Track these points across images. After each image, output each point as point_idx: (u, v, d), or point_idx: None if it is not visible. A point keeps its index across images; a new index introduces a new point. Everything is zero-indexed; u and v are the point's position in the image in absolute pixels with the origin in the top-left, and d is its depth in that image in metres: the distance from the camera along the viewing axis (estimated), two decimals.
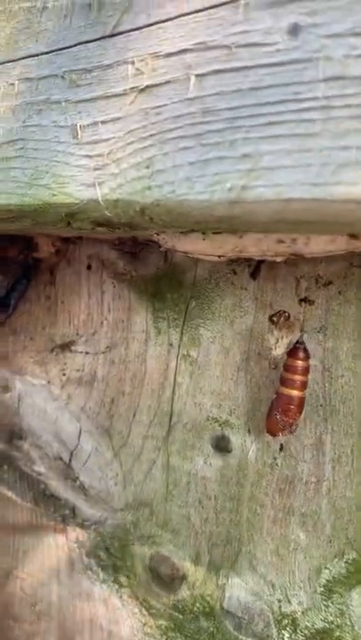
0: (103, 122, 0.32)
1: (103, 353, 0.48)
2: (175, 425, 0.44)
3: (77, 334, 0.49)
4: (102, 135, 0.33)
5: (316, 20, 0.26)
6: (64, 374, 0.50)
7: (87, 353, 0.48)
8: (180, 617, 0.43)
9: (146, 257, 0.45)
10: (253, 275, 0.39)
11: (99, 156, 0.33)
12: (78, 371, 0.49)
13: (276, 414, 0.36)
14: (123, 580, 0.46)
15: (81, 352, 0.49)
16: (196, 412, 0.43)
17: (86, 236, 0.45)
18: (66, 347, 0.50)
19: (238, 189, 0.28)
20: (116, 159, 0.32)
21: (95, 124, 0.33)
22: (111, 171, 0.32)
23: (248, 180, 0.28)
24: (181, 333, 0.44)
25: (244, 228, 0.32)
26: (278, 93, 0.27)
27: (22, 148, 0.36)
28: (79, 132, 0.33)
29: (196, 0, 0.29)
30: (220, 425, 0.42)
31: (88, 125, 0.33)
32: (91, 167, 0.33)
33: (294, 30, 0.27)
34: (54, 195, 0.34)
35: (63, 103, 0.34)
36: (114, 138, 0.32)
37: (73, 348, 0.49)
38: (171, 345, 0.44)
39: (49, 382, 0.51)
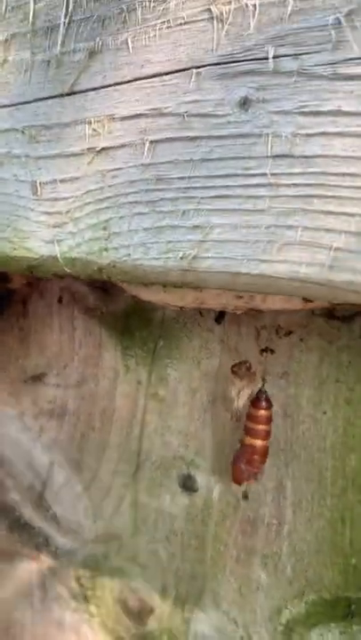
0: (62, 180, 0.33)
1: (74, 387, 0.48)
2: (144, 462, 0.45)
3: (49, 366, 0.50)
4: (61, 193, 0.33)
5: (266, 96, 0.26)
6: (36, 405, 0.50)
7: (58, 386, 0.49)
8: None
9: (115, 293, 0.45)
10: (217, 320, 0.39)
11: (58, 213, 0.33)
12: (50, 402, 0.50)
13: (241, 464, 0.37)
14: (93, 609, 0.47)
15: (53, 384, 0.49)
16: (164, 450, 0.44)
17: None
18: (37, 378, 0.50)
19: (190, 259, 0.28)
20: (74, 218, 0.32)
21: (54, 181, 0.33)
22: (69, 229, 0.32)
23: (199, 251, 0.28)
24: (150, 372, 0.44)
25: (200, 288, 0.32)
26: (228, 166, 0.27)
27: None
28: (39, 188, 0.34)
29: (150, 66, 0.29)
30: (186, 464, 0.43)
31: (47, 182, 0.33)
32: (50, 224, 0.33)
33: (245, 104, 0.27)
34: (15, 249, 0.35)
35: (23, 158, 0.34)
36: (72, 197, 0.32)
37: (45, 380, 0.50)
38: (139, 383, 0.45)
39: (22, 413, 0.51)
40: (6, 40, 0.35)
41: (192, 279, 0.29)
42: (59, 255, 0.33)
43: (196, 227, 0.28)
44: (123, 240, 0.30)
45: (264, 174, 0.26)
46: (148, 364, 0.44)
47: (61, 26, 0.33)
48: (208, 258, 0.28)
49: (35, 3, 0.34)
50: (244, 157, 0.27)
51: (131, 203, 0.30)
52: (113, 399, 0.46)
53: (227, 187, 0.27)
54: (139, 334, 0.45)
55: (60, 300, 0.49)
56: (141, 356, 0.45)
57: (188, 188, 0.28)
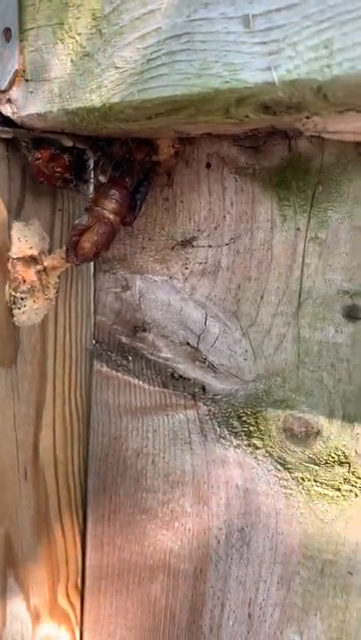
0: (278, 9, 0.36)
1: (227, 245, 0.52)
2: (305, 301, 0.49)
3: (199, 230, 0.53)
4: (277, 22, 0.36)
5: None
6: (186, 268, 0.55)
7: (210, 246, 0.53)
8: (316, 467, 0.50)
9: (269, 149, 0.49)
10: None
11: (273, 41, 0.36)
12: (201, 264, 0.54)
13: None
14: (257, 442, 0.52)
15: (203, 246, 0.53)
16: (327, 287, 0.48)
17: (214, 131, 0.49)
18: (187, 243, 0.54)
19: None
20: (292, 43, 0.36)
21: (269, 12, 0.36)
22: (287, 54, 0.36)
23: None
24: (309, 218, 0.48)
25: None
26: None
27: (188, 42, 0.39)
28: (251, 21, 0.37)
29: None
30: (350, 296, 0.47)
31: (261, 14, 0.36)
32: (265, 52, 0.37)
33: None
34: (226, 81, 0.38)
35: None
36: (289, 23, 0.36)
37: (195, 243, 0.54)
38: (298, 229, 0.49)
39: (171, 278, 0.56)
40: None
41: None
42: (276, 80, 0.36)
43: None
44: (347, 54, 0.34)
45: None
46: (306, 210, 0.48)
47: None
48: None
49: None
50: None
51: (355, 19, 0.34)
52: (270, 249, 0.50)
53: None
54: (296, 184, 0.49)
55: (208, 166, 0.52)
56: (299, 204, 0.49)
57: None
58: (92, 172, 0.56)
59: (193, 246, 0.54)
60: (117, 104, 0.42)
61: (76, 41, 0.44)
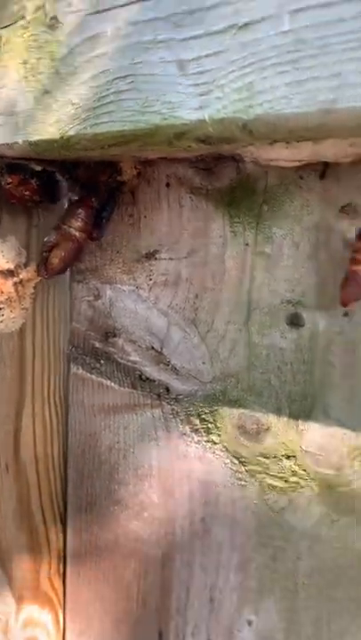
0: (207, 56, 0.40)
1: (185, 258, 0.57)
2: (254, 310, 0.54)
3: (160, 244, 0.58)
4: (206, 67, 0.40)
5: None
6: (150, 279, 0.59)
7: (171, 259, 0.58)
8: (267, 461, 0.54)
9: (220, 171, 0.53)
10: (322, 176, 0.48)
11: (204, 83, 0.41)
12: (163, 275, 0.58)
13: (348, 288, 0.46)
14: (215, 438, 0.57)
15: (165, 259, 0.58)
16: (272, 297, 0.53)
17: (169, 155, 0.53)
18: (151, 255, 0.59)
19: (329, 102, 0.36)
20: (219, 85, 0.40)
21: (199, 57, 0.41)
22: (216, 95, 0.40)
23: (338, 94, 0.36)
24: (256, 234, 0.53)
25: (332, 136, 0.40)
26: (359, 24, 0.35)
27: (133, 82, 0.43)
28: (185, 65, 0.41)
29: None
30: (293, 305, 0.52)
31: (193, 59, 0.41)
32: (197, 93, 0.41)
33: None
34: (165, 119, 0.42)
35: (168, 42, 0.42)
36: (217, 68, 0.40)
37: (157, 256, 0.58)
38: (247, 245, 0.53)
39: (137, 288, 0.60)
40: None
41: (330, 121, 0.37)
42: (207, 118, 0.41)
43: (333, 75, 0.36)
44: (266, 96, 0.38)
45: None
46: (253, 227, 0.53)
47: None
48: (346, 98, 0.36)
49: None
50: None
51: (273, 65, 0.38)
52: (223, 262, 0.55)
53: (358, 39, 0.35)
54: (244, 203, 0.53)
55: (167, 185, 0.57)
56: (247, 221, 0.53)
57: (326, 45, 0.36)
58: (65, 190, 0.61)
59: (156, 259, 0.59)
60: (74, 137, 0.47)
61: (38, 79, 0.48)
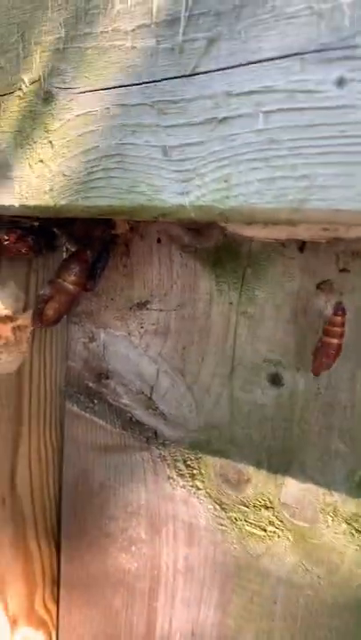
0: (189, 144, 0.42)
1: (175, 310, 0.59)
2: (237, 366, 0.56)
3: (152, 295, 0.60)
4: (188, 155, 0.42)
5: (357, 77, 0.36)
6: (142, 327, 0.62)
7: (161, 310, 0.60)
8: (246, 509, 0.57)
9: (208, 233, 0.56)
10: (301, 249, 0.50)
11: (186, 170, 0.43)
12: (154, 324, 0.61)
13: (319, 358, 0.48)
14: (199, 484, 0.60)
15: (155, 309, 0.60)
16: (254, 355, 0.55)
17: None
18: (142, 305, 0.61)
19: (298, 202, 0.38)
20: (200, 174, 0.42)
21: (182, 145, 0.43)
22: (196, 183, 0.42)
23: (306, 195, 0.38)
24: (240, 295, 0.55)
25: (303, 223, 0.42)
26: (328, 130, 0.37)
27: (121, 162, 0.46)
28: (168, 151, 0.43)
29: (261, 52, 0.38)
30: (273, 365, 0.54)
31: (176, 146, 0.43)
32: (180, 179, 0.43)
33: (340, 82, 0.36)
34: (149, 200, 0.45)
35: (154, 127, 0.44)
36: (198, 157, 0.42)
37: (148, 306, 0.61)
38: (231, 303, 0.55)
39: (129, 334, 0.63)
40: (133, 30, 0.44)
41: (299, 217, 0.39)
42: (187, 204, 0.43)
43: (303, 176, 0.38)
44: (241, 189, 0.40)
45: (358, 136, 0.36)
46: (237, 288, 0.55)
47: (182, 19, 0.41)
48: (313, 200, 0.38)
49: None
50: (340, 123, 0.36)
51: (248, 160, 0.40)
52: (209, 317, 0.57)
53: (327, 145, 0.37)
54: (229, 265, 0.55)
55: (158, 241, 0.59)
56: (232, 282, 0.55)
57: (296, 147, 0.38)
58: (62, 240, 0.63)
59: (147, 309, 0.61)
60: (66, 206, 0.49)
61: (33, 148, 0.51)
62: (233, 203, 0.41)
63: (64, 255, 0.64)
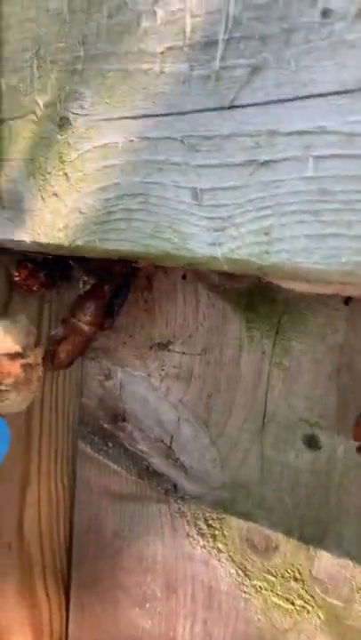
0: (223, 188, 0.36)
1: (199, 355, 0.53)
2: (269, 422, 0.50)
3: (174, 336, 0.55)
4: (221, 200, 0.37)
5: None
6: (163, 369, 0.56)
7: (184, 353, 0.54)
8: (273, 579, 0.52)
9: (240, 276, 0.50)
10: (346, 302, 0.44)
11: (219, 218, 0.37)
12: (175, 367, 0.55)
13: None
14: (221, 546, 0.54)
15: (178, 352, 0.55)
16: (289, 412, 0.49)
17: None
18: (164, 346, 0.56)
19: (353, 264, 0.32)
20: (235, 223, 0.36)
21: (215, 189, 0.37)
22: (230, 233, 0.36)
23: None
24: (274, 344, 0.49)
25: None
26: None
27: (144, 202, 0.40)
28: (199, 194, 0.37)
29: (313, 85, 0.32)
30: (310, 426, 0.48)
31: (208, 189, 0.37)
32: (211, 228, 0.37)
33: None
34: (177, 249, 0.39)
35: (183, 166, 0.38)
36: (233, 204, 0.36)
37: (170, 347, 0.55)
38: (263, 353, 0.50)
39: (148, 375, 0.57)
40: (162, 52, 0.38)
41: (353, 280, 0.33)
42: (220, 256, 0.37)
43: (358, 236, 0.32)
44: (285, 245, 0.34)
45: None
46: (271, 336, 0.49)
47: (220, 42, 0.35)
48: None
49: (190, 17, 0.36)
50: None
51: (293, 212, 0.34)
52: (238, 366, 0.51)
53: None
54: (262, 310, 0.49)
55: (184, 277, 0.53)
56: (265, 329, 0.49)
57: (352, 200, 0.32)
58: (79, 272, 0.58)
59: (169, 350, 0.56)
60: (82, 247, 0.44)
61: (46, 179, 0.45)
62: (274, 259, 0.35)
63: (80, 286, 0.59)
